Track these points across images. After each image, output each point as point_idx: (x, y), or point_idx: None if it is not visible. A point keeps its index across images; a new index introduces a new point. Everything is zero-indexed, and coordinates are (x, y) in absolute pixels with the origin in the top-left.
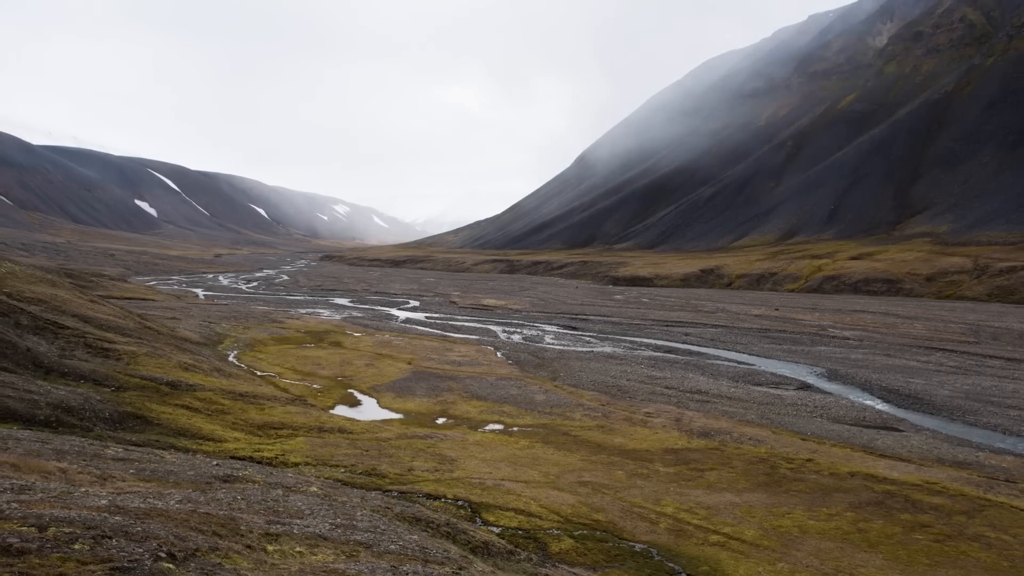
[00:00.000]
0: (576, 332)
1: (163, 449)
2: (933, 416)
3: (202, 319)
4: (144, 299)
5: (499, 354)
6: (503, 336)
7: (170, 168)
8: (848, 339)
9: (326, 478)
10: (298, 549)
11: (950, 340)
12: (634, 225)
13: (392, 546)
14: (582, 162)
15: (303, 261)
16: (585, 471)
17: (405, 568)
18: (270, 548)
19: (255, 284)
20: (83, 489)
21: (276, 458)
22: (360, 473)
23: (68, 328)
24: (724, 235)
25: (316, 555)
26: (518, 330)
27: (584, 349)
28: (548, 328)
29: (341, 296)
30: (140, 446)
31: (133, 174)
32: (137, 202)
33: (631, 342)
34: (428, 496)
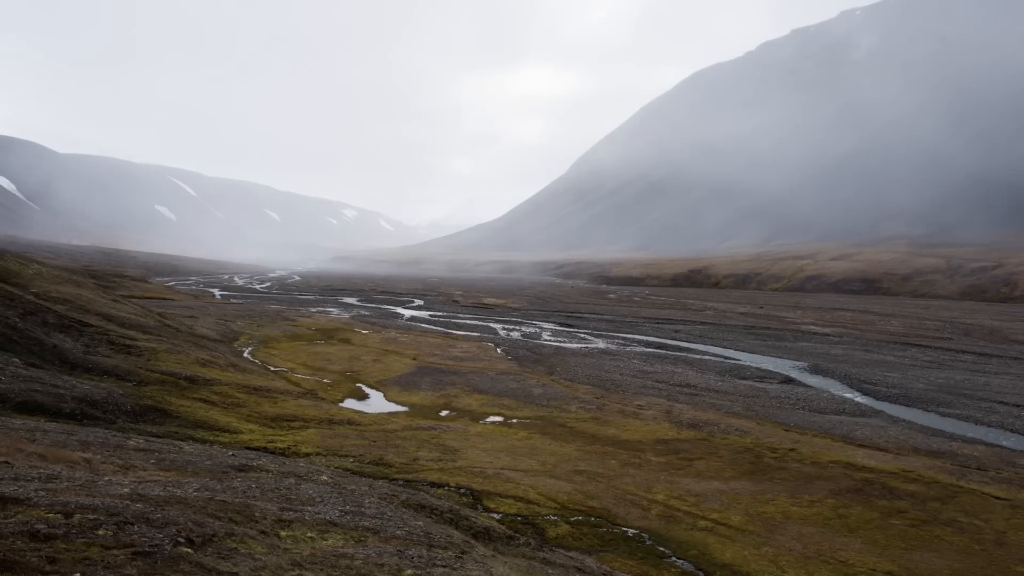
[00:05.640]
0: (572, 329)
1: (182, 440)
2: (909, 408)
3: (218, 317)
4: (164, 298)
5: (499, 350)
6: (503, 333)
7: (188, 174)
8: (829, 335)
9: (336, 467)
10: (309, 534)
11: (925, 336)
12: (626, 228)
13: (398, 531)
14: (577, 168)
15: (314, 262)
16: (580, 460)
17: (411, 552)
18: (283, 533)
19: (268, 284)
20: (106, 478)
21: (288, 448)
22: (368, 463)
23: (92, 326)
24: (711, 237)
25: (326, 540)
26: (517, 327)
27: (579, 345)
28: (545, 325)
29: (349, 295)
30: (160, 437)
31: (153, 180)
32: (157, 207)
33: (624, 338)
34: (432, 484)
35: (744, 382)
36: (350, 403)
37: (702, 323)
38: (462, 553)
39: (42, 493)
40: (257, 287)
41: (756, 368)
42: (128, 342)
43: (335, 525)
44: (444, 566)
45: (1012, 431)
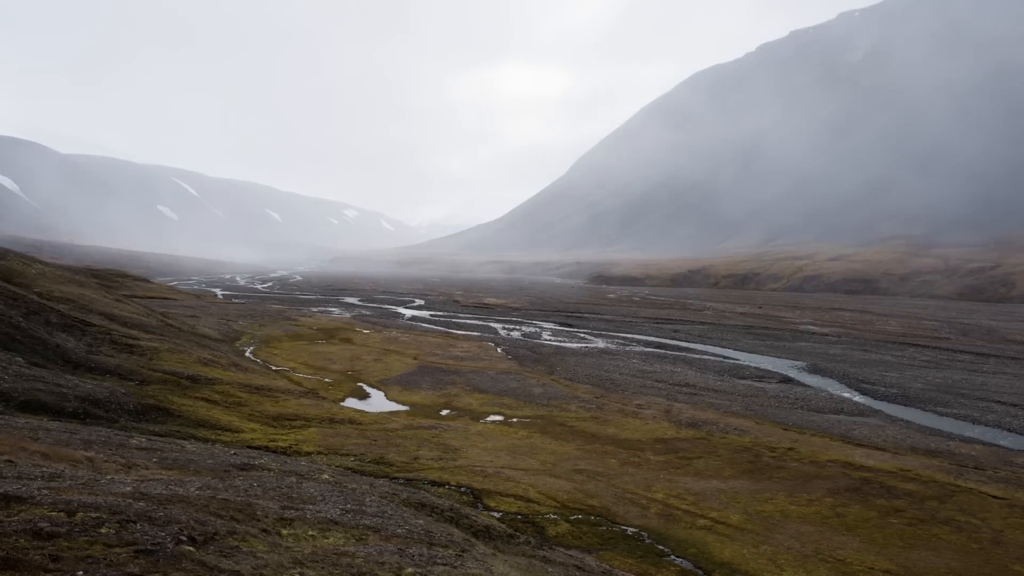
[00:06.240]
0: (571, 329)
1: (184, 439)
2: (907, 407)
3: (220, 317)
4: (166, 298)
5: (499, 350)
6: (503, 333)
7: (189, 174)
8: (827, 335)
9: (337, 466)
10: (311, 533)
11: (923, 336)
12: (625, 228)
13: (399, 530)
14: (577, 169)
15: (315, 262)
16: (580, 459)
17: (411, 550)
18: (284, 532)
19: (270, 284)
20: (109, 476)
21: (290, 447)
22: (369, 461)
23: (95, 325)
24: (710, 238)
25: (328, 538)
26: (517, 327)
27: (579, 345)
28: (545, 325)
29: (351, 295)
30: (162, 436)
31: (154, 180)
32: (159, 207)
33: (623, 338)
34: (433, 483)
35: (743, 382)
36: (351, 402)
37: (701, 323)
38: (462, 551)
39: (45, 492)
40: (259, 287)
41: (755, 368)
42: (130, 341)
43: (336, 523)
44: (445, 564)
45: (1009, 430)
